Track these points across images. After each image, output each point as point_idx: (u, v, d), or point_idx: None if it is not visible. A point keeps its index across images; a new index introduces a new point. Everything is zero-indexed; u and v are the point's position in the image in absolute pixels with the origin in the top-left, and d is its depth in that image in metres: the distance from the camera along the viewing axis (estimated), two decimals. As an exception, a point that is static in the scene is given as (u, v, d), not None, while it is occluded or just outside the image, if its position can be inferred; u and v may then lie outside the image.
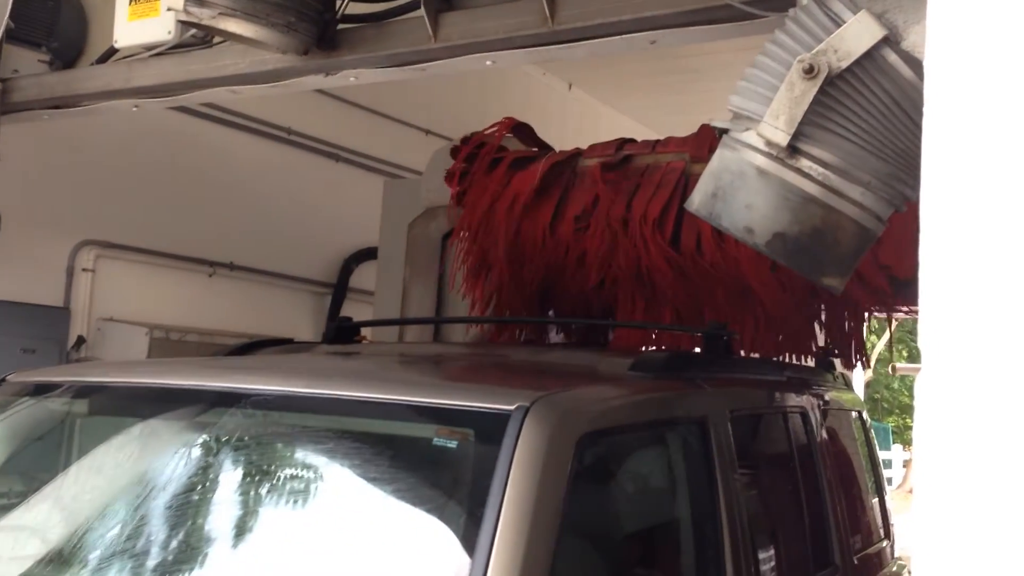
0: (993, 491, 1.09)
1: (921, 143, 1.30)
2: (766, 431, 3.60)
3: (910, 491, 19.29)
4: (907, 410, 22.76)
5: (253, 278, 8.59)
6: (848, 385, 4.36)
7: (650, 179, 4.36)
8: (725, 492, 2.92)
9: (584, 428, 2.45)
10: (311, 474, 2.45)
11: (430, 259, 7.70)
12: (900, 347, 12.18)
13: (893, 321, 5.13)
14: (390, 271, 7.81)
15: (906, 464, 20.38)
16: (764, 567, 3.08)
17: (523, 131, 5.57)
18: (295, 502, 2.43)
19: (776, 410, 3.61)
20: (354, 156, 9.17)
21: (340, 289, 9.23)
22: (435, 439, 2.40)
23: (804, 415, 3.67)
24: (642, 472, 2.97)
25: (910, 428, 21.96)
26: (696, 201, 2.45)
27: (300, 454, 2.51)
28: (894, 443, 22.09)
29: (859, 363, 4.62)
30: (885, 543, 4.31)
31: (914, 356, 17.32)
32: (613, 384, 2.95)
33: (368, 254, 8.88)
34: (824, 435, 3.74)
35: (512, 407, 2.39)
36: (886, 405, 23.15)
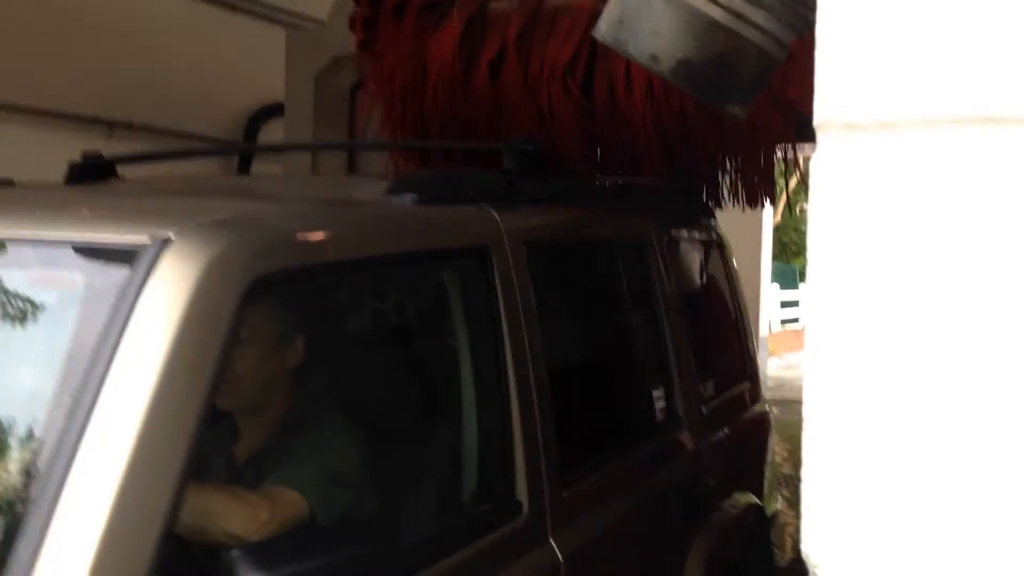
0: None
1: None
2: (586, 266, 2.68)
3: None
4: (814, 251, 22.07)
5: (154, 138, 7.51)
6: (708, 213, 3.44)
7: (560, 24, 3.59)
8: (513, 341, 2.03)
9: (261, 267, 1.52)
10: None
11: (339, 112, 6.96)
12: (807, 188, 11.39)
13: (801, 161, 4.46)
14: (298, 127, 6.99)
15: (813, 302, 19.78)
16: (572, 431, 2.23)
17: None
18: None
19: (601, 241, 2.68)
20: (252, 5, 8.01)
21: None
22: (29, 288, 1.47)
23: (641, 247, 2.74)
24: (375, 324, 2.08)
25: (816, 267, 21.52)
26: (603, 28, 2.22)
27: None
28: (801, 283, 21.45)
29: (766, 202, 3.96)
30: (746, 385, 3.45)
31: None
32: (340, 209, 2.00)
33: (274, 111, 7.88)
34: (670, 270, 2.83)
35: (146, 240, 1.46)
36: (794, 248, 22.35)
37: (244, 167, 8.02)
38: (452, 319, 2.05)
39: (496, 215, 2.14)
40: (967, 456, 0.65)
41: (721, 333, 3.39)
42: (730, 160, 3.79)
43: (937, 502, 0.65)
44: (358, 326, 2.17)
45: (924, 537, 0.65)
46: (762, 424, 3.50)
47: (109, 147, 7.71)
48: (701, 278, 3.29)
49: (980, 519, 0.65)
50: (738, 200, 3.78)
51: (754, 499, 3.07)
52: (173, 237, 1.47)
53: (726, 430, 3.09)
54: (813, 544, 0.67)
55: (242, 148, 4.13)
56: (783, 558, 5.45)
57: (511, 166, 2.32)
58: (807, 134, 3.55)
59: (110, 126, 7.27)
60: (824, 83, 0.72)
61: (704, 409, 2.89)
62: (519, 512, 2.03)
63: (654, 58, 2.14)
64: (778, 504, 3.53)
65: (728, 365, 3.33)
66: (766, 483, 3.38)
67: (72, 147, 7.68)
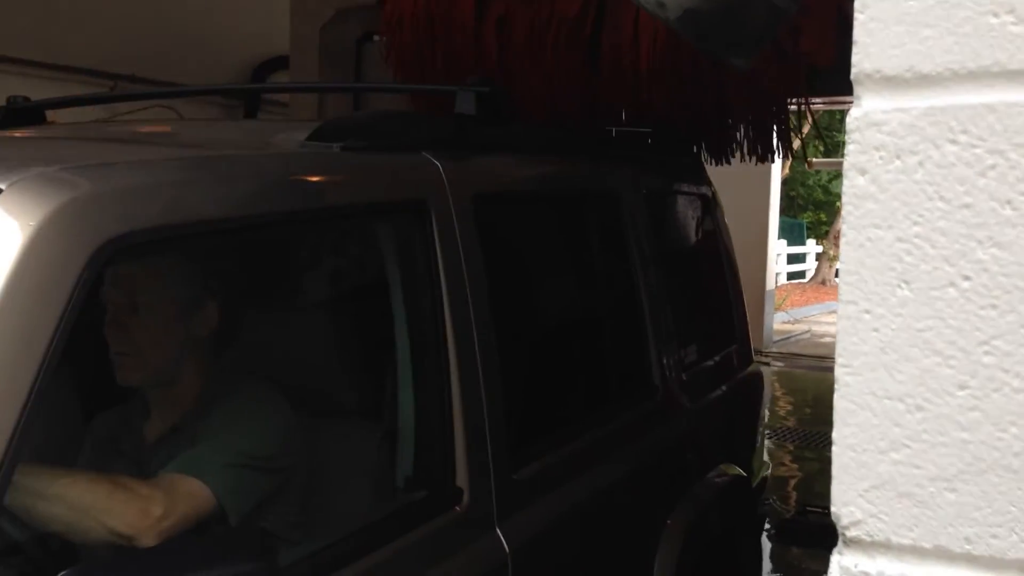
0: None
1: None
2: (548, 221, 2.31)
3: (822, 282, 18.40)
4: (820, 206, 21.37)
5: (158, 90, 7.18)
6: (698, 166, 3.06)
7: None
8: (455, 307, 1.70)
9: (119, 226, 1.21)
10: None
11: (345, 65, 6.67)
12: (816, 142, 10.84)
13: (810, 114, 4.20)
14: (303, 79, 6.70)
15: (819, 257, 19.26)
16: (528, 406, 1.91)
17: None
18: None
19: (566, 193, 2.32)
20: (256, -42, 7.61)
21: (252, 100, 7.85)
22: None
23: (616, 201, 2.39)
24: (296, 289, 1.76)
25: (824, 223, 20.94)
26: (609, -27, 1.95)
27: None
28: (808, 238, 20.74)
29: (782, 155, 3.69)
30: (734, 348, 3.07)
31: (830, 151, 15.75)
32: (241, 157, 1.66)
33: (280, 63, 7.52)
34: (649, 226, 2.48)
35: (-32, 191, 1.15)
36: (801, 202, 21.72)
37: (251, 113, 7.70)
38: (383, 282, 1.72)
39: (439, 164, 1.80)
40: (1012, 420, 0.59)
41: (707, 294, 3.04)
42: (739, 114, 3.51)
43: (979, 467, 0.60)
44: (278, 291, 1.86)
45: (962, 498, 0.60)
46: (751, 389, 3.15)
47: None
48: (686, 235, 2.94)
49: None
50: (747, 155, 3.56)
51: (739, 471, 2.74)
52: (4, 188, 1.16)
53: (710, 397, 2.76)
54: (845, 507, 0.63)
55: (180, 92, 3.85)
56: (786, 512, 5.20)
57: (464, 110, 1.98)
58: (819, 87, 3.30)
59: (114, 79, 6.96)
60: (863, 36, 0.63)
61: (684, 376, 2.56)
62: (459, 499, 1.73)
63: (660, 5, 2.02)
64: (767, 471, 3.21)
65: (714, 328, 2.99)
66: (755, 451, 3.06)
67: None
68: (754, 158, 3.58)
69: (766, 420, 7.56)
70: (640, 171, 2.59)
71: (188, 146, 1.78)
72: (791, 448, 7.21)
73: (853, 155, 0.61)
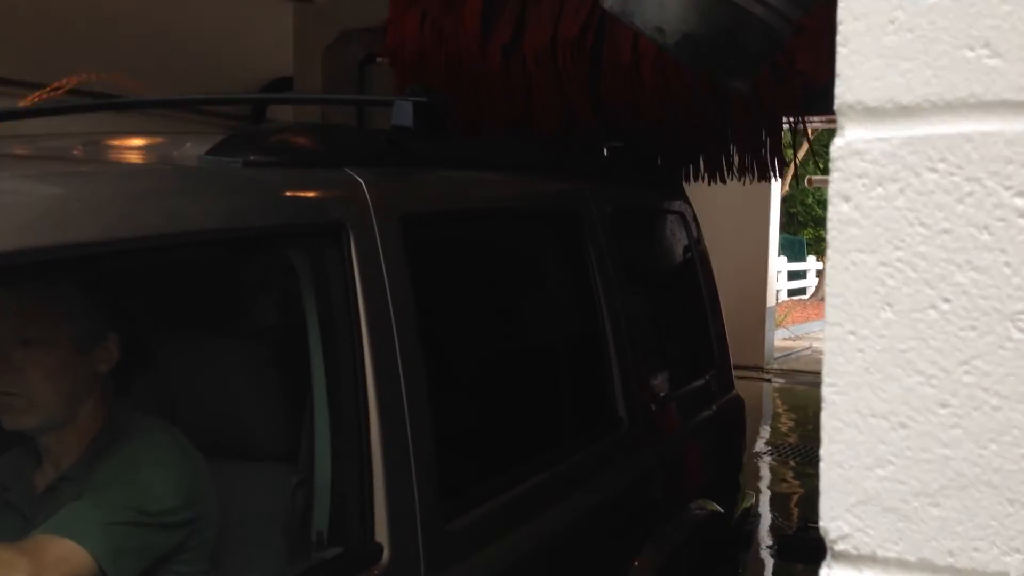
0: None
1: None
2: (493, 243, 2.04)
3: (822, 299, 18.12)
4: (820, 223, 21.11)
5: (163, 112, 7.00)
6: (674, 182, 2.79)
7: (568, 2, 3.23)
8: (376, 342, 1.44)
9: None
10: None
11: (348, 87, 6.67)
12: (816, 159, 10.56)
13: (809, 132, 4.13)
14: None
15: (819, 274, 18.95)
16: (466, 449, 1.65)
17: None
18: None
19: (514, 212, 2.04)
20: (260, -21, 7.46)
21: (256, 121, 7.68)
22: None
23: (575, 219, 2.11)
24: (191, 324, 1.51)
25: (823, 239, 20.68)
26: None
27: None
28: (808, 254, 20.21)
29: (777, 175, 3.55)
30: (712, 374, 2.76)
31: (827, 169, 15.42)
32: (121, 175, 1.40)
33: (284, 84, 7.38)
34: (614, 246, 2.19)
35: None
36: (801, 219, 21.44)
37: (257, 122, 7.57)
38: (295, 313, 1.47)
39: (362, 182, 1.55)
40: (992, 437, 0.60)
41: (682, 318, 2.76)
42: (737, 133, 3.34)
43: (961, 482, 0.61)
44: (177, 325, 1.61)
45: (945, 512, 0.61)
46: (731, 417, 2.86)
47: (119, 122, 7.22)
48: (658, 256, 2.67)
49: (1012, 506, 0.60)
50: (745, 173, 3.44)
51: (716, 506, 2.45)
52: None
53: (684, 428, 2.48)
54: (833, 522, 0.63)
55: (127, 103, 3.65)
56: (788, 528, 4.96)
57: (401, 122, 1.72)
58: (815, 105, 3.26)
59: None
60: (845, 68, 0.63)
61: (654, 406, 2.28)
62: (378, 557, 1.47)
63: (660, 31, 2.00)
64: (751, 501, 2.92)
65: (690, 353, 2.71)
66: (736, 482, 2.77)
67: (79, 123, 7.16)
68: (752, 177, 3.47)
69: (767, 437, 7.29)
70: (606, 188, 2.33)
71: (68, 161, 1.54)
72: (793, 464, 6.97)
73: (837, 182, 0.62)
